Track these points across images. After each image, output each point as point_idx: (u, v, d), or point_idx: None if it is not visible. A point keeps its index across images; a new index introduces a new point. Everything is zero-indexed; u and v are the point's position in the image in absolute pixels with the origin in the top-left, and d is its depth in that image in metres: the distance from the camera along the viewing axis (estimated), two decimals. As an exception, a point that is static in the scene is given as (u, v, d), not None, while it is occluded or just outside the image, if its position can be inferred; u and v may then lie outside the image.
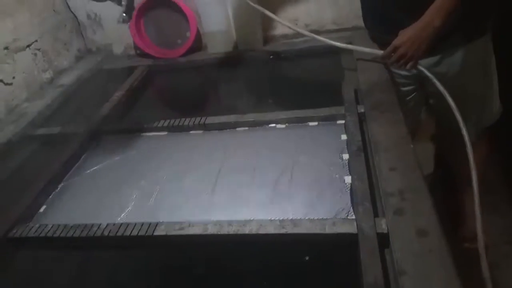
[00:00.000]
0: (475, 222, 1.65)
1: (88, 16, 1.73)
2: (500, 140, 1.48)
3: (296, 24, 1.65)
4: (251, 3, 1.38)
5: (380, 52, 1.19)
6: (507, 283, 1.46)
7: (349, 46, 1.30)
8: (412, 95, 1.40)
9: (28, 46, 1.47)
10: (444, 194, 1.76)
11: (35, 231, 0.87)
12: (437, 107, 1.38)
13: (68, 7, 1.70)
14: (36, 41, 1.50)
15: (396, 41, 1.13)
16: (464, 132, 1.04)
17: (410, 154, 0.87)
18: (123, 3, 1.17)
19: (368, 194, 0.81)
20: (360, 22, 1.59)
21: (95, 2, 1.67)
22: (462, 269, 1.55)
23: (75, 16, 1.73)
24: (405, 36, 1.11)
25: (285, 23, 1.39)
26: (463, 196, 1.61)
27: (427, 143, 1.90)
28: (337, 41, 1.54)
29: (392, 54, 1.16)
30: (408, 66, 1.15)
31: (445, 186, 1.76)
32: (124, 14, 1.18)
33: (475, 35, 1.19)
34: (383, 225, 0.74)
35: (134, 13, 1.61)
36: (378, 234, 0.72)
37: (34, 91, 1.47)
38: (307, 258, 0.76)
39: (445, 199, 1.73)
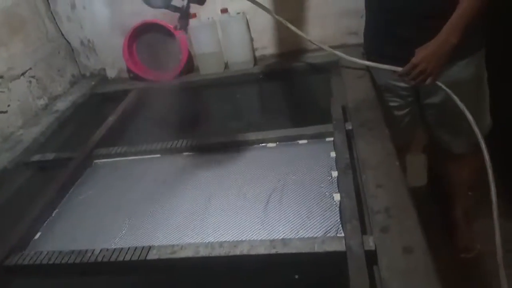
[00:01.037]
0: (468, 233, 1.67)
1: (82, 43, 1.76)
2: (493, 152, 1.50)
3: (285, 44, 1.69)
4: (279, 18, 1.40)
5: (399, 69, 1.22)
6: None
7: (369, 63, 1.32)
8: (410, 108, 1.42)
9: (23, 74, 1.50)
10: (439, 205, 1.77)
11: (30, 259, 0.88)
12: (434, 119, 1.40)
13: (62, 34, 1.73)
14: (31, 69, 1.53)
15: (414, 59, 1.16)
16: (482, 143, 1.07)
17: (396, 170, 0.89)
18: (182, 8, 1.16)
19: (356, 211, 0.83)
20: (347, 40, 1.64)
21: (87, 28, 1.72)
22: (459, 279, 1.55)
23: (69, 43, 1.76)
24: (423, 54, 1.15)
25: (311, 39, 1.44)
26: (455, 207, 1.63)
27: (419, 155, 1.93)
28: (326, 58, 1.59)
29: (411, 71, 1.19)
30: (427, 82, 1.18)
31: (440, 197, 1.77)
32: (178, 24, 1.18)
33: (471, 51, 1.22)
34: (370, 243, 0.75)
35: (127, 36, 1.65)
36: (366, 251, 0.74)
37: (29, 118, 1.50)
38: (296, 276, 0.78)
39: (440, 210, 1.75)
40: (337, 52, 1.40)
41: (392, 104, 1.42)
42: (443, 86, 1.18)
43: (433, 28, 1.14)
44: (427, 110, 1.40)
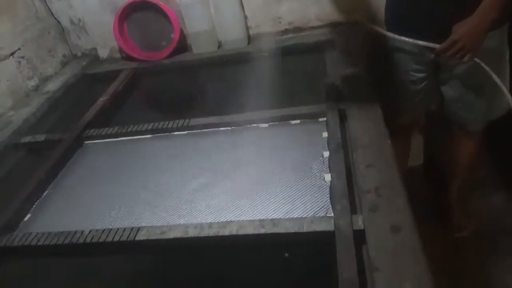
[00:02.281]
0: (462, 212, 1.68)
1: (72, 22, 1.72)
2: (495, 134, 1.48)
3: (280, 23, 1.66)
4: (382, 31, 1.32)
5: (436, 46, 1.18)
6: (496, 270, 1.49)
7: (408, 40, 1.26)
8: (424, 83, 1.39)
9: (12, 54, 1.47)
10: (434, 185, 1.77)
11: (19, 240, 0.88)
12: (453, 93, 1.36)
13: (51, 13, 1.70)
14: (20, 49, 1.50)
15: (454, 36, 1.12)
16: None
17: (387, 150, 0.88)
18: None
19: (346, 191, 0.82)
20: (343, 18, 1.60)
21: (77, 7, 1.68)
22: (453, 257, 1.56)
23: (59, 22, 1.72)
24: (463, 31, 1.11)
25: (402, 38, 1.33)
26: (450, 187, 1.63)
27: (416, 135, 1.91)
28: (321, 37, 1.56)
29: (450, 48, 1.14)
30: (465, 59, 1.15)
31: (435, 177, 1.77)
32: None
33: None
34: (359, 222, 0.75)
35: (117, 15, 1.61)
36: (354, 231, 0.73)
37: (19, 99, 1.48)
38: (286, 254, 0.77)
39: (435, 190, 1.75)
40: (379, 29, 1.35)
41: (409, 78, 1.38)
42: (482, 64, 1.15)
43: (469, 1, 1.09)
44: (448, 83, 1.36)
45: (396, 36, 1.30)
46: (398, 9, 1.32)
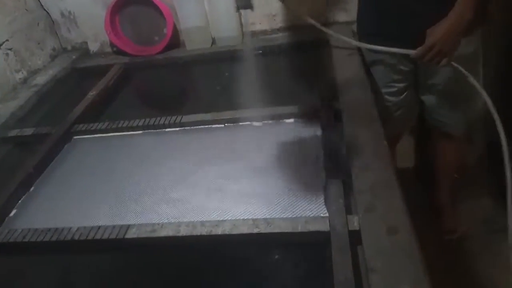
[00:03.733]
0: (452, 215, 1.68)
1: (62, 14, 1.68)
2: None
3: (274, 20, 1.64)
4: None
5: (412, 52, 1.14)
6: (486, 271, 1.49)
7: (380, 48, 1.22)
8: (407, 92, 1.37)
9: (-1, 46, 1.43)
10: (425, 188, 1.78)
11: (4, 237, 0.85)
12: (434, 100, 1.35)
13: (41, 4, 1.66)
14: (8, 40, 1.46)
15: (429, 41, 1.09)
16: (501, 130, 1.03)
17: (383, 150, 0.87)
18: None
19: (342, 191, 0.81)
20: (335, 17, 1.60)
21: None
22: (443, 260, 1.57)
23: (49, 14, 1.68)
24: (438, 34, 1.07)
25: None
26: (441, 190, 1.63)
27: (407, 137, 1.92)
28: (316, 35, 1.55)
29: (426, 53, 1.11)
30: (443, 62, 1.11)
31: (426, 179, 1.77)
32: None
33: (473, 29, 1.17)
34: (355, 223, 0.74)
35: (109, 8, 1.58)
36: (350, 231, 0.72)
37: (6, 91, 1.44)
38: (276, 256, 0.76)
39: (426, 193, 1.75)
40: (345, 38, 1.32)
41: (389, 90, 1.37)
42: (460, 67, 1.12)
43: (442, 1, 1.06)
44: (428, 91, 1.35)
45: (369, 46, 1.26)
46: (371, 19, 1.29)
